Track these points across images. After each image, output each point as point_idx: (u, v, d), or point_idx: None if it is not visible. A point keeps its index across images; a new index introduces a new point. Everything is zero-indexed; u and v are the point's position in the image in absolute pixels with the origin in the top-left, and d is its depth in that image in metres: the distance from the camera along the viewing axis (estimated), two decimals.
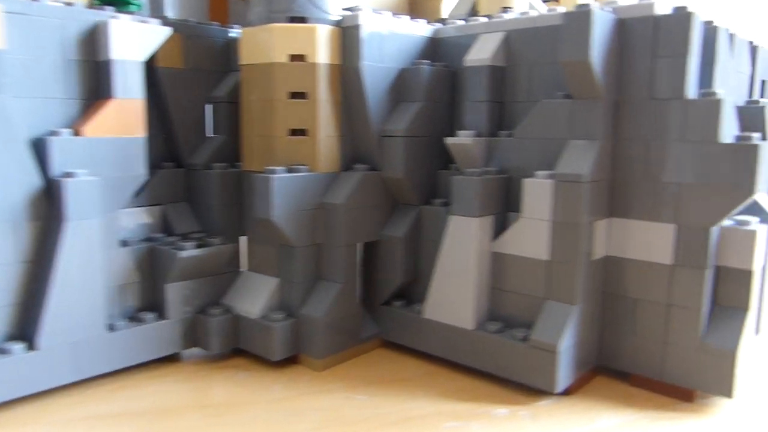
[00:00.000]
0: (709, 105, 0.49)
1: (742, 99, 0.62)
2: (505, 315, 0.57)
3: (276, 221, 0.55)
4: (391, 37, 0.60)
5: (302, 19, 0.57)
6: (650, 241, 0.53)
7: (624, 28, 0.52)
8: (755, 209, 0.54)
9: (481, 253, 0.56)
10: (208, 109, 0.65)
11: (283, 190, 0.55)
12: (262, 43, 0.57)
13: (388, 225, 0.62)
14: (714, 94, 0.49)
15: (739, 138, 0.49)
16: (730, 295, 0.52)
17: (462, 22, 0.64)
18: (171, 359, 0.60)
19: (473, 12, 0.77)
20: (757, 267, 0.50)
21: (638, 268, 0.54)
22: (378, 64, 0.59)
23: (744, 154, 0.48)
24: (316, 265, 0.59)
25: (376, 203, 0.61)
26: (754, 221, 0.51)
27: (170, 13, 0.80)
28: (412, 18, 0.64)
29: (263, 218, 0.55)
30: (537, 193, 0.53)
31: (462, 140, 0.58)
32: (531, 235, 0.54)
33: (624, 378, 0.56)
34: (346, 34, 0.58)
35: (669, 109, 0.51)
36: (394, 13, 0.62)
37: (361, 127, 0.60)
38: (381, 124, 0.60)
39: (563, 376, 0.51)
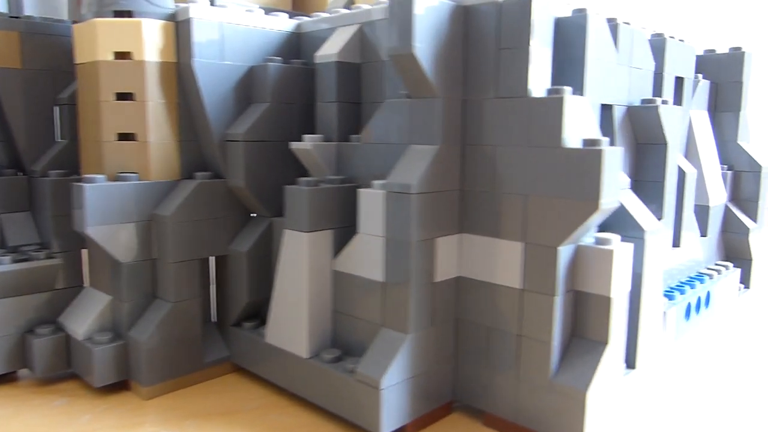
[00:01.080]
0: (552, 104, 0.42)
1: (639, 98, 0.55)
2: (347, 342, 0.50)
3: (92, 234, 0.50)
4: (235, 31, 0.54)
5: (128, 13, 0.52)
6: (499, 262, 0.46)
7: (468, 16, 0.45)
8: (628, 224, 0.47)
9: (317, 272, 0.49)
10: (58, 111, 0.61)
11: (100, 201, 0.50)
12: (87, 41, 0.52)
13: (236, 238, 0.56)
14: (559, 91, 0.42)
15: (586, 143, 0.42)
16: (587, 325, 0.44)
17: (326, 15, 0.58)
18: (6, 379, 0.55)
19: (352, 2, 0.71)
20: (617, 293, 0.43)
21: (490, 292, 0.47)
22: (217, 62, 0.53)
23: (588, 162, 0.41)
24: (151, 283, 0.54)
25: (221, 214, 0.55)
26: (615, 239, 0.44)
27: (30, 11, 0.76)
28: (294, 12, 0.59)
29: (79, 231, 0.50)
30: (371, 205, 0.47)
31: (303, 145, 0.52)
32: (367, 253, 0.48)
33: (480, 416, 0.49)
34: (179, 29, 0.53)
35: (512, 109, 0.44)
36: (261, 7, 0.56)
37: (202, 131, 0.55)
38: (224, 127, 0.55)
39: (390, 416, 0.45)
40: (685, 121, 0.66)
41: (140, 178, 0.52)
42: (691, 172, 0.61)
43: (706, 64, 0.73)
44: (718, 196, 0.69)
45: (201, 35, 0.52)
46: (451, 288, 0.48)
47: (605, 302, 0.43)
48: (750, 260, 0.73)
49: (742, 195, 0.73)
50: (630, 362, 0.48)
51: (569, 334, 0.45)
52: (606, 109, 0.53)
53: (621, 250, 0.43)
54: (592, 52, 0.48)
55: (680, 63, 0.63)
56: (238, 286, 0.56)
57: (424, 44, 0.43)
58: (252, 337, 0.55)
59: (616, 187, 0.41)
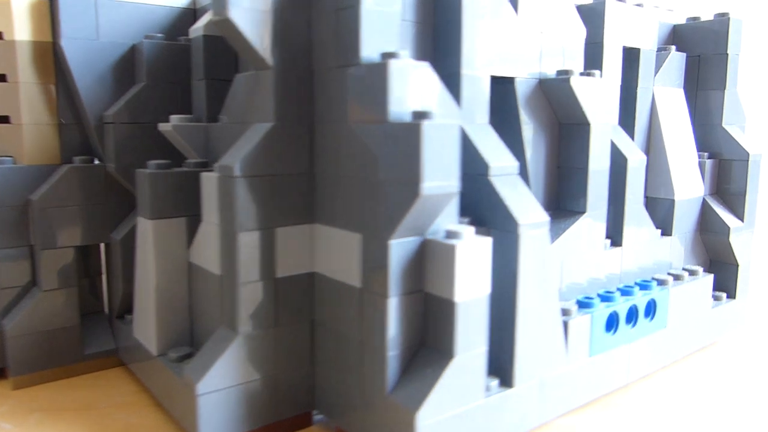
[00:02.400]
0: (377, 71, 0.35)
1: (552, 70, 0.47)
2: (202, 341, 0.46)
3: None
4: (114, 7, 0.51)
5: None
6: (342, 256, 0.40)
7: None
8: (505, 216, 0.40)
9: (168, 263, 0.45)
10: None
11: None
12: None
13: (119, 226, 0.54)
14: (392, 55, 0.36)
15: (414, 116, 0.35)
16: (434, 333, 0.38)
17: None
18: None
19: None
20: (462, 296, 0.36)
21: (336, 290, 0.41)
22: (90, 40, 0.50)
23: (408, 138, 0.34)
24: (31, 270, 0.52)
25: (101, 201, 0.52)
26: (467, 232, 0.37)
27: None
28: None
29: None
30: (209, 190, 0.42)
31: (166, 126, 0.48)
32: (209, 244, 0.43)
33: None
34: (52, 7, 0.51)
35: (346, 80, 0.38)
36: None
37: (80, 113, 0.52)
38: (102, 109, 0.52)
39: (210, 424, 0.40)
40: (644, 99, 0.57)
41: (15, 161, 0.51)
42: (635, 159, 0.52)
43: (685, 34, 0.63)
44: (690, 189, 0.59)
45: (70, 12, 0.49)
46: (302, 285, 0.42)
47: (449, 307, 0.36)
48: (735, 265, 0.62)
49: (727, 188, 0.62)
50: (506, 380, 0.41)
51: (418, 343, 0.38)
52: (505, 83, 0.46)
53: (468, 245, 0.36)
54: (473, 15, 0.41)
55: (632, 31, 0.54)
56: (116, 275, 0.53)
57: (242, 8, 0.38)
58: (127, 330, 0.52)
59: (450, 170, 0.35)
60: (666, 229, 0.58)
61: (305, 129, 0.41)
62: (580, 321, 0.45)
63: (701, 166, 0.61)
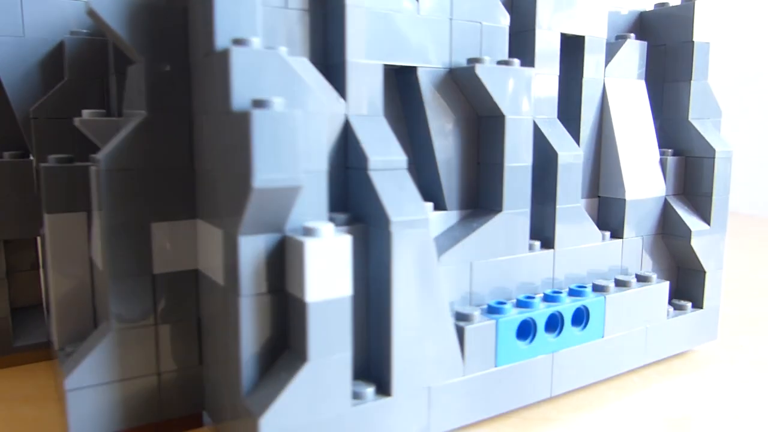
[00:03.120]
0: (220, 59, 0.34)
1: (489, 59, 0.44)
2: None
3: None
4: (40, 3, 0.52)
5: None
6: (212, 253, 0.39)
7: None
8: (380, 213, 0.37)
9: (67, 257, 0.45)
10: None
11: None
12: None
13: None
14: (241, 42, 0.34)
15: (254, 104, 0.33)
16: (293, 335, 0.36)
17: None
18: None
19: None
20: (315, 296, 0.34)
21: (210, 288, 0.40)
22: (17, 36, 0.51)
23: (241, 128, 0.32)
24: None
25: (31, 195, 0.53)
26: (325, 229, 0.34)
27: None
28: None
29: None
30: (94, 184, 0.42)
31: (78, 120, 0.48)
32: (96, 239, 0.43)
33: None
34: None
35: (205, 69, 0.36)
36: None
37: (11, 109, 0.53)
38: (29, 105, 0.53)
39: (79, 422, 0.39)
40: (591, 91, 0.53)
41: None
42: (567, 154, 0.48)
43: (652, 22, 0.58)
44: (646, 188, 0.54)
45: None
46: (185, 282, 0.41)
47: (302, 307, 0.34)
48: (702, 272, 0.57)
49: (693, 187, 0.57)
50: (383, 387, 0.39)
51: (281, 345, 0.37)
52: (409, 73, 0.43)
53: (322, 243, 0.34)
54: (358, 1, 0.39)
55: (573, 18, 0.50)
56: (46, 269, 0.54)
57: None
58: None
59: (291, 162, 0.33)
60: (617, 232, 0.54)
61: (183, 122, 0.40)
62: (480, 327, 0.42)
63: (663, 163, 0.56)
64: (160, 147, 0.40)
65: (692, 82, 0.56)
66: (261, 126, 0.32)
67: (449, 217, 0.46)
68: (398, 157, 0.39)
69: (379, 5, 0.40)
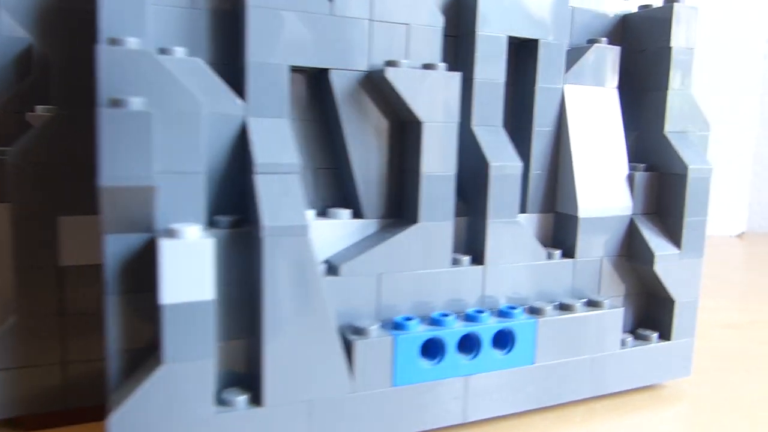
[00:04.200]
0: (97, 57, 0.34)
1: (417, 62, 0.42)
2: None
3: None
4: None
5: None
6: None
7: None
8: (254, 218, 0.36)
9: None
10: None
11: None
12: None
13: None
14: (116, 42, 0.34)
15: (112, 103, 0.33)
16: (157, 336, 0.35)
17: None
18: None
19: None
20: (170, 298, 0.33)
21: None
22: None
23: (97, 126, 0.32)
24: None
25: None
26: (189, 231, 0.34)
27: None
28: None
29: None
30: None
31: (29, 115, 0.50)
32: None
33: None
34: None
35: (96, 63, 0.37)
36: None
37: None
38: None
39: None
40: (546, 99, 0.49)
41: None
42: (501, 164, 0.45)
43: (634, 25, 0.53)
44: (605, 205, 0.49)
45: None
46: (91, 275, 0.41)
47: (160, 308, 0.34)
48: (671, 300, 0.51)
49: (665, 207, 0.51)
50: (256, 397, 0.37)
51: (153, 345, 0.36)
52: (322, 76, 0.42)
53: (178, 244, 0.33)
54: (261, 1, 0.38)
55: (524, 21, 0.46)
56: None
57: None
58: None
59: (144, 162, 0.32)
60: (570, 251, 0.49)
61: (91, 118, 0.41)
62: (373, 342, 0.40)
63: (631, 179, 0.51)
64: (69, 142, 0.41)
65: (669, 91, 0.50)
66: (110, 124, 0.32)
67: (367, 226, 0.44)
68: (289, 160, 0.38)
69: (286, 5, 0.39)
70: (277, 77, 0.40)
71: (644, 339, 0.51)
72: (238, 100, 0.39)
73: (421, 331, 0.41)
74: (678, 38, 0.50)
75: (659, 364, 0.51)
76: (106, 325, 0.35)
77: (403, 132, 0.44)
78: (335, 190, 0.45)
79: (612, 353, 0.49)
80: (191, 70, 0.37)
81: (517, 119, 0.50)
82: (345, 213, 0.44)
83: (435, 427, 0.43)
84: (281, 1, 0.39)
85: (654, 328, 0.52)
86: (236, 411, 0.37)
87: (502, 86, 0.47)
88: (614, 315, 0.48)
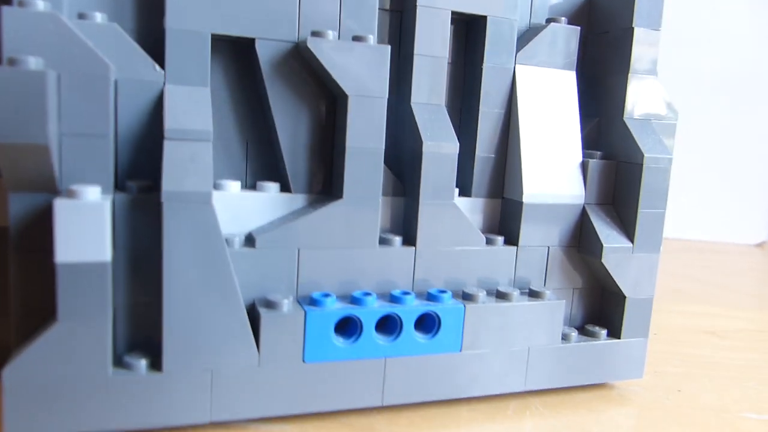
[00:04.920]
0: None
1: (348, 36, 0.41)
2: None
3: None
4: None
5: None
6: None
7: None
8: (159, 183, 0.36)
9: None
10: None
11: None
12: None
13: None
14: (23, 3, 0.34)
15: (8, 62, 0.33)
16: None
17: None
18: None
19: None
20: (63, 256, 0.33)
21: None
22: None
23: None
24: None
25: None
26: (87, 192, 0.34)
27: None
28: None
29: None
30: None
31: None
32: None
33: None
34: None
35: None
36: None
37: None
38: None
39: None
40: (494, 79, 0.47)
41: None
42: (435, 144, 0.43)
43: (601, 5, 0.51)
44: (554, 192, 0.47)
45: None
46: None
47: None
48: (622, 296, 0.48)
49: (621, 197, 0.49)
50: (156, 362, 0.37)
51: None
52: (250, 46, 0.41)
53: (70, 205, 0.33)
54: None
55: None
56: None
57: None
58: None
59: (36, 122, 0.32)
60: (513, 238, 0.48)
61: None
62: (281, 317, 0.39)
63: (585, 167, 0.49)
64: None
65: (630, 74, 0.48)
66: (5, 82, 0.32)
67: (295, 201, 0.43)
68: (200, 128, 0.38)
69: None
70: (198, 45, 0.40)
71: (591, 335, 0.49)
72: (157, 67, 0.39)
73: (335, 308, 0.41)
74: (641, 19, 0.48)
75: (608, 363, 0.49)
76: (9, 282, 0.36)
77: (337, 106, 0.43)
78: (267, 163, 0.45)
79: (552, 347, 0.47)
80: (108, 35, 0.37)
81: (467, 100, 0.48)
82: (273, 186, 0.43)
83: (351, 407, 0.42)
84: None
85: (605, 325, 0.50)
86: (135, 374, 0.37)
87: (445, 62, 0.46)
88: (554, 307, 0.46)
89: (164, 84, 0.39)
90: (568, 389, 0.49)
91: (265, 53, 0.41)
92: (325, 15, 0.42)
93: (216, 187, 0.42)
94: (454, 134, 0.45)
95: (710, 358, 0.59)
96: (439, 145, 0.44)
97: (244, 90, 0.44)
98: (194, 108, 0.39)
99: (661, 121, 0.50)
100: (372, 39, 0.42)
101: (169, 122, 0.37)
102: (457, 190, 0.48)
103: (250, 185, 0.44)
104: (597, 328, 0.49)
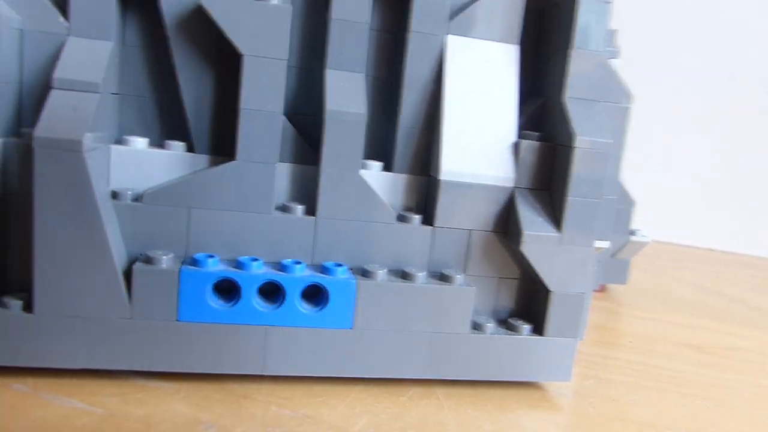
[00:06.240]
0: None
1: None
2: None
3: None
4: None
5: None
6: None
7: None
8: None
9: None
10: None
11: None
12: None
13: None
14: None
15: None
16: None
17: None
18: None
19: None
20: None
21: None
22: None
23: None
24: None
25: None
26: None
27: None
28: None
29: None
30: None
31: None
32: None
33: None
34: None
35: None
36: None
37: None
38: None
39: None
40: (420, 49, 0.44)
41: None
42: (339, 110, 0.41)
43: None
44: (478, 171, 0.44)
45: None
46: None
47: None
48: (546, 289, 0.44)
49: (555, 182, 0.44)
50: (29, 304, 0.38)
51: None
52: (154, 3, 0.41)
53: None
54: None
55: None
56: None
57: None
58: None
59: None
60: (430, 217, 0.45)
61: None
62: (154, 272, 0.39)
63: (515, 148, 0.45)
64: None
65: (571, 50, 0.44)
66: None
67: (198, 161, 0.43)
68: (89, 79, 0.38)
69: None
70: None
71: (512, 329, 0.45)
72: (62, 19, 0.40)
73: (214, 270, 0.40)
74: None
75: (529, 361, 0.45)
76: None
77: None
78: (180, 123, 0.45)
79: (460, 336, 0.44)
80: None
81: (395, 69, 0.46)
82: (179, 146, 0.43)
83: (229, 372, 0.41)
84: None
85: (532, 321, 0.46)
86: (10, 313, 0.38)
87: (365, 27, 0.44)
88: (460, 293, 0.43)
89: (67, 36, 0.40)
90: (487, 384, 0.46)
91: (169, 10, 0.42)
92: None
93: (122, 142, 0.43)
94: (363, 100, 0.43)
95: (675, 372, 0.53)
96: (343, 111, 0.42)
97: (159, 48, 0.44)
98: (88, 60, 0.39)
99: (609, 103, 0.45)
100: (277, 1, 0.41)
101: (58, 72, 0.38)
102: (380, 164, 0.46)
103: (158, 144, 0.45)
104: (520, 322, 0.45)
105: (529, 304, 0.47)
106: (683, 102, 1.19)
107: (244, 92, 0.41)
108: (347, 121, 0.42)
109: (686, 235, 1.21)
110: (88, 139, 0.37)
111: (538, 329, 0.46)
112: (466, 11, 0.45)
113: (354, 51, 0.44)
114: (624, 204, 0.69)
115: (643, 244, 0.71)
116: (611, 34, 0.55)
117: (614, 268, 0.73)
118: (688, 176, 1.21)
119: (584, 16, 0.44)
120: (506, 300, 0.47)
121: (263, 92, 0.41)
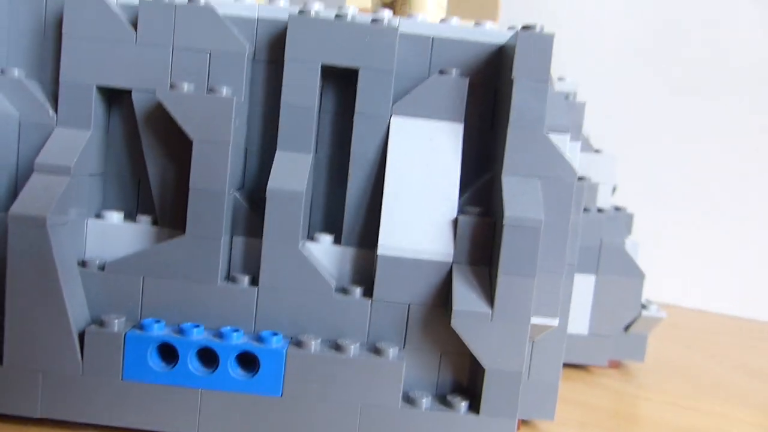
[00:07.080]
0: None
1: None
2: None
3: None
4: None
5: None
6: None
7: None
8: None
9: None
10: None
11: None
12: None
13: None
14: None
15: None
16: None
17: None
18: None
19: None
20: None
21: None
22: None
23: None
24: None
25: None
26: None
27: None
28: None
29: None
30: None
31: None
32: None
33: None
34: None
35: None
36: None
37: None
38: None
39: None
40: (366, 128, 0.47)
41: None
42: (279, 186, 0.44)
43: (505, 54, 0.47)
44: (416, 246, 0.45)
45: None
46: None
47: None
48: (481, 367, 0.42)
49: (493, 258, 0.43)
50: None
51: None
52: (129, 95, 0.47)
53: None
54: (71, 29, 0.46)
55: (339, 50, 0.46)
56: None
57: None
58: None
59: None
60: (369, 290, 0.46)
61: None
62: (102, 334, 0.43)
63: (455, 223, 0.45)
64: None
65: (510, 127, 0.44)
66: None
67: (162, 234, 0.48)
68: (61, 163, 0.45)
69: (95, 34, 0.46)
70: (85, 95, 0.47)
71: (447, 405, 0.44)
72: (51, 113, 0.47)
73: (156, 334, 0.44)
74: (523, 68, 0.44)
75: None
76: None
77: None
78: (150, 197, 0.50)
79: (390, 410, 0.44)
80: (18, 88, 0.46)
81: (344, 148, 0.49)
82: (146, 220, 0.48)
83: (167, 431, 0.44)
84: (89, 31, 0.46)
85: (471, 398, 0.45)
86: None
87: (313, 111, 0.47)
88: (390, 366, 0.43)
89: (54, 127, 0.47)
90: None
91: (139, 102, 0.47)
92: (194, 69, 0.47)
93: (99, 216, 0.49)
94: (304, 179, 0.46)
95: None
96: (283, 189, 0.45)
97: (135, 134, 0.50)
98: (66, 147, 0.46)
99: (550, 179, 0.44)
100: (225, 90, 0.45)
101: (40, 157, 0.45)
102: (330, 238, 0.49)
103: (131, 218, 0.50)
104: (458, 399, 0.45)
105: (475, 381, 0.47)
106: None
107: (194, 173, 0.45)
108: (285, 198, 0.45)
109: (730, 305, 1.09)
110: (52, 216, 0.43)
111: (475, 407, 0.45)
112: (411, 93, 0.47)
113: (302, 133, 0.47)
114: (632, 277, 0.66)
115: (657, 320, 0.66)
116: (577, 109, 0.54)
117: (629, 344, 0.69)
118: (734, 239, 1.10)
119: (522, 95, 0.44)
120: (450, 375, 0.47)
121: (210, 173, 0.45)
